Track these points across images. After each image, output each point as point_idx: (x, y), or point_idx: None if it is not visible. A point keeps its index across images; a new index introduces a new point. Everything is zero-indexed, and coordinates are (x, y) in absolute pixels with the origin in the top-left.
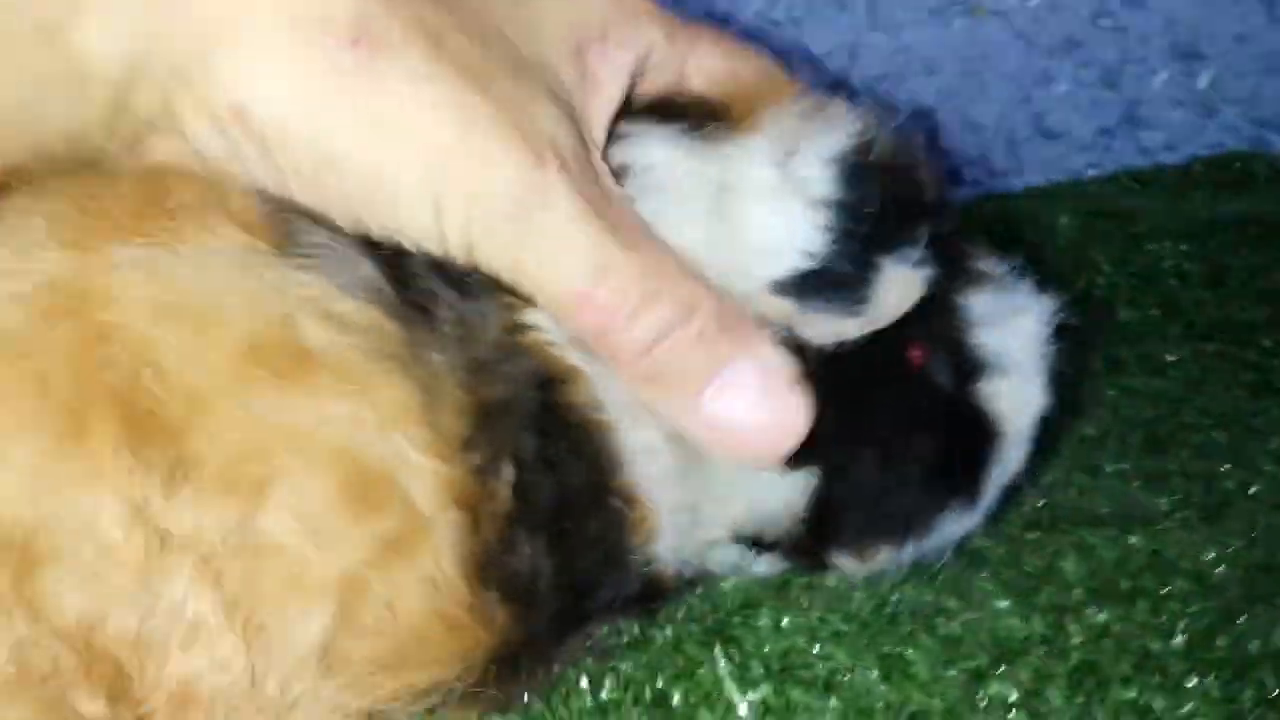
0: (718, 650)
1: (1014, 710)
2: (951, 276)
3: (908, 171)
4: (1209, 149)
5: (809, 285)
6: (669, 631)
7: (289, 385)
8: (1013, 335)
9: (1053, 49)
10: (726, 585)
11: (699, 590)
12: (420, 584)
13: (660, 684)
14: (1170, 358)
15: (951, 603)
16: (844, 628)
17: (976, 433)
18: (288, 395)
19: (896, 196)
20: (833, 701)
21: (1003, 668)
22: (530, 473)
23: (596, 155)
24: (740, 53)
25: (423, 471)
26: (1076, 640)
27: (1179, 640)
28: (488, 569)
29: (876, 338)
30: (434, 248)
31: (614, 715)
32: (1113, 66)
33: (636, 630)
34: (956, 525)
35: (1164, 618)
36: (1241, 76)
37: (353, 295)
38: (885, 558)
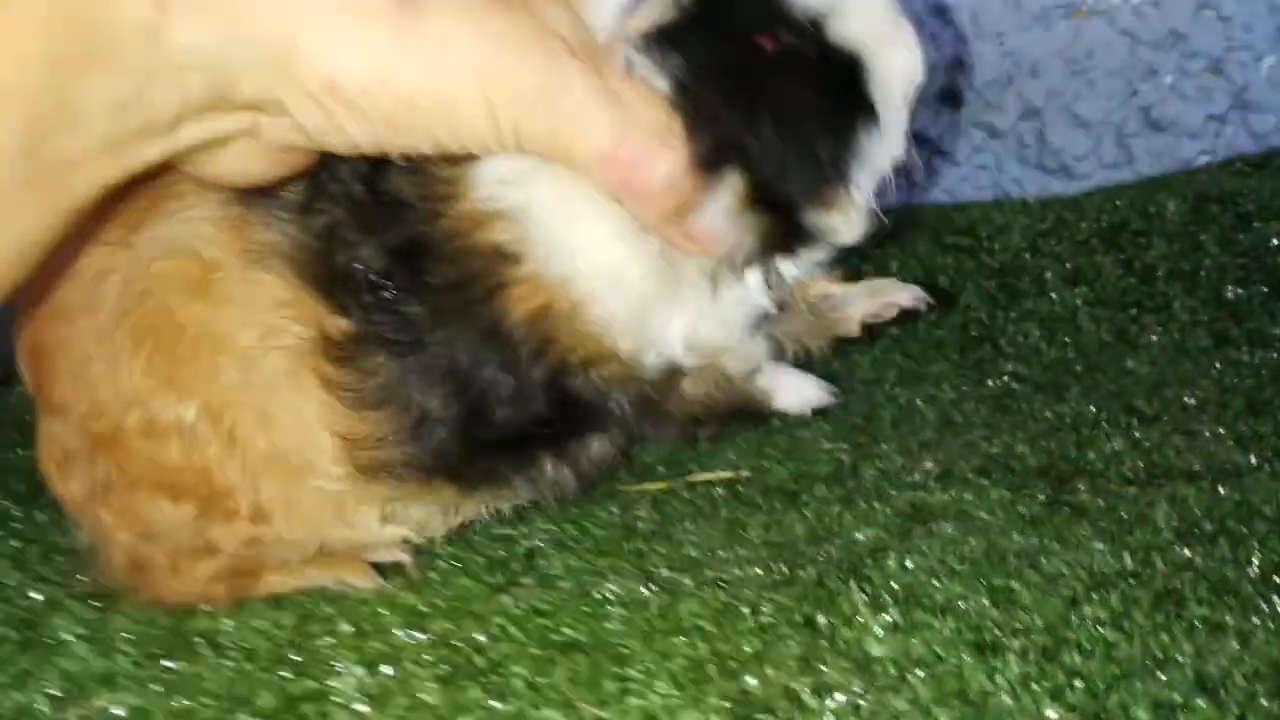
0: (853, 584)
1: (1104, 626)
2: None
3: None
4: None
5: None
6: (812, 571)
7: None
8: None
9: (1157, 42)
10: (858, 534)
11: (835, 541)
12: None
13: (807, 609)
14: (1277, 332)
15: (1054, 545)
16: (959, 567)
17: (847, 66)
18: None
19: None
20: (950, 622)
21: (1096, 595)
22: None
23: (593, 34)
24: None
25: None
26: (1162, 573)
27: (1254, 570)
28: None
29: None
30: (494, 147)
31: (771, 634)
32: (1218, 55)
33: (785, 570)
34: (879, 147)
35: (1241, 552)
36: None
37: None
38: (844, 196)
